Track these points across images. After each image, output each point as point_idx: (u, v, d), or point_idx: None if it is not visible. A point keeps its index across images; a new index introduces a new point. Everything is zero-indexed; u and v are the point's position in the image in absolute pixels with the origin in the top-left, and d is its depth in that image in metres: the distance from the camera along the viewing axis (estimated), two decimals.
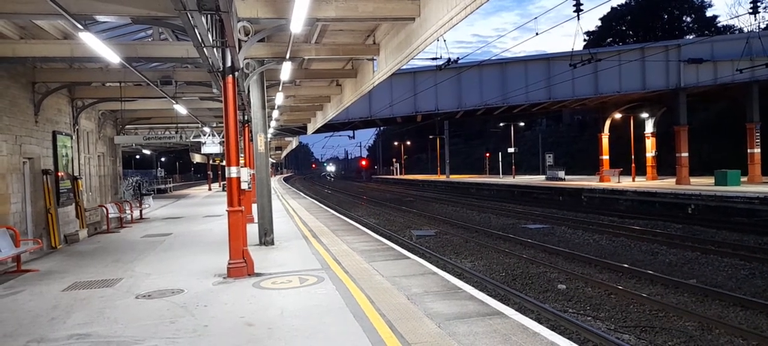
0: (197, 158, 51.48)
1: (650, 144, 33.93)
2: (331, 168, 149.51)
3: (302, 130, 38.21)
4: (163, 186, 50.53)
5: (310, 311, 6.68)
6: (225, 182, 9.77)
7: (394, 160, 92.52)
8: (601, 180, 34.81)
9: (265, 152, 12.81)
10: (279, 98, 18.35)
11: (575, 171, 49.99)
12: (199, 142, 24.74)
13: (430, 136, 67.27)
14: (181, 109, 17.38)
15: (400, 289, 7.67)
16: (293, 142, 61.46)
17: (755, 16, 20.93)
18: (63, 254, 12.44)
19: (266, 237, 12.43)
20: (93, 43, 8.39)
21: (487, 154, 61.90)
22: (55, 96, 14.06)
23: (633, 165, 34.78)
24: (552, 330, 6.15)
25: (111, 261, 11.08)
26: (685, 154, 29.77)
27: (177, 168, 78.60)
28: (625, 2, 57.85)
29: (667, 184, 29.37)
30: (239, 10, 8.88)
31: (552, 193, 32.98)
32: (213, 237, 14.32)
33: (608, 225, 19.22)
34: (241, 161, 16.09)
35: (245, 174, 10.32)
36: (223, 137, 14.90)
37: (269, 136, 17.28)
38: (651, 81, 30.14)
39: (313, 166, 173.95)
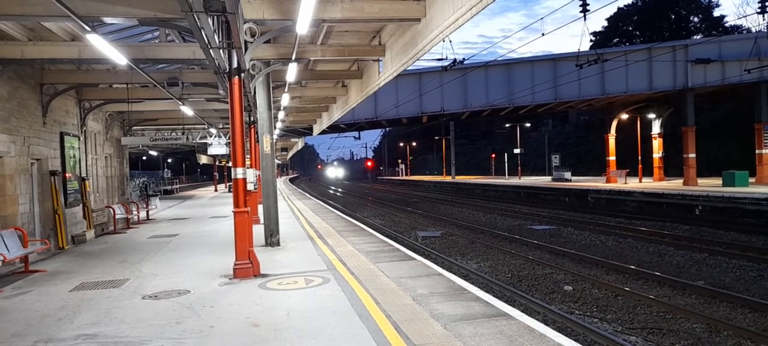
0: (203, 159, 51.68)
1: (657, 145, 33.76)
2: (337, 171, 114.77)
3: (308, 131, 38.30)
4: (169, 187, 50.76)
5: (316, 312, 6.69)
6: (231, 183, 9.80)
7: (399, 161, 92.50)
8: (608, 181, 34.66)
9: (271, 153, 12.83)
10: (285, 99, 18.40)
11: (581, 172, 49.81)
12: (206, 144, 24.92)
13: (436, 137, 67.19)
14: (187, 111, 17.45)
15: (406, 290, 7.66)
16: (299, 144, 61.57)
17: (763, 16, 20.72)
18: (70, 254, 12.51)
19: (272, 238, 12.45)
20: (100, 44, 8.44)
21: (493, 155, 61.77)
22: (63, 97, 14.15)
23: (640, 166, 34.61)
24: (558, 332, 6.13)
25: (118, 262, 11.13)
26: (692, 155, 29.59)
27: (183, 169, 78.94)
28: (632, 2, 57.59)
29: (675, 185, 29.21)
30: (245, 12, 8.91)
31: (558, 194, 32.87)
32: (219, 238, 14.36)
33: (615, 226, 19.13)
34: (247, 162, 16.21)
35: (251, 175, 10.36)
36: (229, 138, 14.96)
37: (275, 137, 17.31)
38: (658, 81, 29.98)
39: (319, 167, 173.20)
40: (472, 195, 41.27)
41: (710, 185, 27.72)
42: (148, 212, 21.35)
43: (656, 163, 34.10)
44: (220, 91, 15.07)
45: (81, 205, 15.21)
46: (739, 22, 50.30)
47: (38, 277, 9.74)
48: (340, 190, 59.72)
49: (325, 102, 24.46)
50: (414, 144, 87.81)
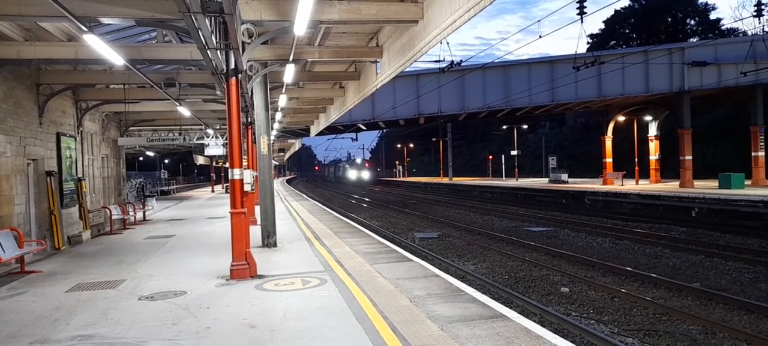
0: (200, 160, 51.60)
1: (654, 147, 33.84)
2: (361, 173, 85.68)
3: (305, 132, 38.30)
4: (166, 188, 50.69)
5: (313, 313, 6.68)
6: (228, 184, 9.80)
7: (396, 162, 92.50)
8: (605, 183, 34.72)
9: (268, 154, 12.82)
10: (282, 100, 18.39)
11: (578, 174, 49.88)
12: (203, 144, 24.85)
13: (433, 139, 67.21)
14: (184, 111, 17.43)
15: (403, 291, 7.66)
16: (296, 145, 61.58)
17: (759, 19, 20.83)
18: (66, 255, 12.47)
19: (269, 239, 12.43)
20: (97, 45, 8.43)
21: (490, 157, 61.84)
22: (60, 98, 14.12)
23: (636, 168, 34.70)
24: (555, 333, 6.14)
25: (114, 262, 11.10)
26: (688, 157, 29.67)
27: (180, 170, 78.75)
28: (629, 5, 57.77)
29: (671, 187, 29.29)
30: (243, 13, 8.91)
31: (555, 196, 32.92)
32: (216, 239, 14.33)
33: (611, 228, 19.16)
34: (244, 163, 16.17)
35: (248, 176, 10.34)
36: (226, 139, 14.94)
37: (272, 138, 17.29)
38: (654, 84, 30.07)
39: (316, 168, 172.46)
40: (469, 197, 41.29)
41: (706, 187, 27.80)
42: (144, 212, 21.29)
43: (653, 166, 34.17)
44: (218, 92, 15.06)
45: (77, 205, 15.16)
46: (735, 25, 50.52)
47: (34, 277, 9.70)
48: (337, 191, 59.69)
49: (322, 103, 24.46)
50: (411, 146, 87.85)
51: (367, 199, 42.80)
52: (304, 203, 29.55)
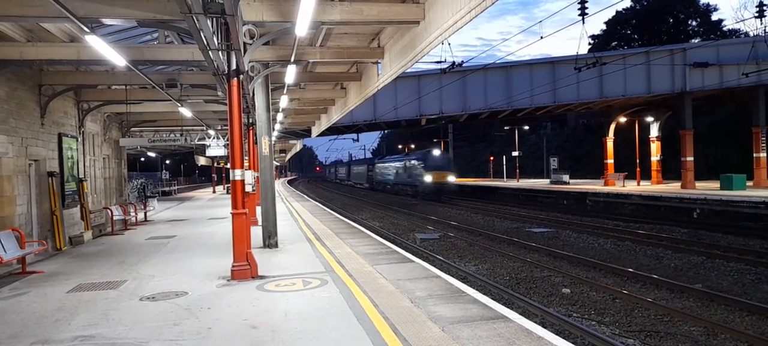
0: (202, 161, 51.65)
1: (655, 148, 33.80)
2: (446, 177, 40.21)
3: (306, 133, 38.31)
4: (167, 188, 50.68)
5: (314, 314, 6.69)
6: (229, 185, 9.81)
7: None
8: (606, 184, 34.68)
9: (270, 155, 12.82)
10: (283, 101, 18.40)
11: (580, 175, 49.82)
12: (204, 145, 24.94)
13: (435, 140, 67.12)
14: (186, 112, 17.44)
15: (404, 292, 7.66)
16: (297, 145, 61.58)
17: (761, 20, 20.82)
18: (68, 255, 12.48)
19: (270, 240, 12.44)
20: (99, 46, 8.44)
21: (492, 158, 61.78)
22: (62, 98, 14.14)
23: (638, 169, 34.66)
24: (556, 334, 6.13)
25: (115, 263, 11.11)
26: (690, 158, 29.64)
27: (181, 170, 78.75)
28: (631, 6, 57.71)
29: (672, 188, 29.25)
30: (244, 14, 8.92)
31: (556, 196, 32.89)
32: (217, 240, 14.34)
33: (613, 229, 19.15)
34: (246, 164, 16.19)
35: (249, 177, 10.36)
36: (227, 140, 14.93)
37: (273, 139, 17.30)
38: (656, 85, 30.04)
39: (318, 169, 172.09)
40: (470, 197, 41.25)
41: (708, 188, 27.75)
42: (145, 213, 21.31)
43: (654, 167, 34.13)
44: (219, 93, 15.07)
45: (79, 206, 15.18)
46: (737, 26, 50.44)
47: (36, 278, 9.72)
48: (338, 192, 59.69)
49: (323, 104, 24.47)
50: (412, 146, 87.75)
51: (367, 200, 42.78)
52: (305, 203, 29.55)
